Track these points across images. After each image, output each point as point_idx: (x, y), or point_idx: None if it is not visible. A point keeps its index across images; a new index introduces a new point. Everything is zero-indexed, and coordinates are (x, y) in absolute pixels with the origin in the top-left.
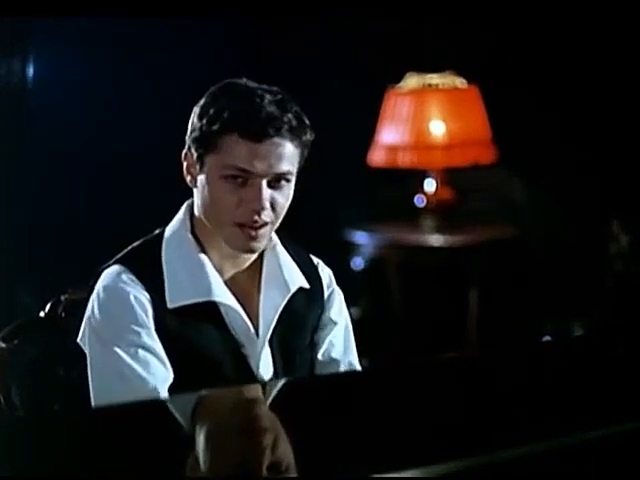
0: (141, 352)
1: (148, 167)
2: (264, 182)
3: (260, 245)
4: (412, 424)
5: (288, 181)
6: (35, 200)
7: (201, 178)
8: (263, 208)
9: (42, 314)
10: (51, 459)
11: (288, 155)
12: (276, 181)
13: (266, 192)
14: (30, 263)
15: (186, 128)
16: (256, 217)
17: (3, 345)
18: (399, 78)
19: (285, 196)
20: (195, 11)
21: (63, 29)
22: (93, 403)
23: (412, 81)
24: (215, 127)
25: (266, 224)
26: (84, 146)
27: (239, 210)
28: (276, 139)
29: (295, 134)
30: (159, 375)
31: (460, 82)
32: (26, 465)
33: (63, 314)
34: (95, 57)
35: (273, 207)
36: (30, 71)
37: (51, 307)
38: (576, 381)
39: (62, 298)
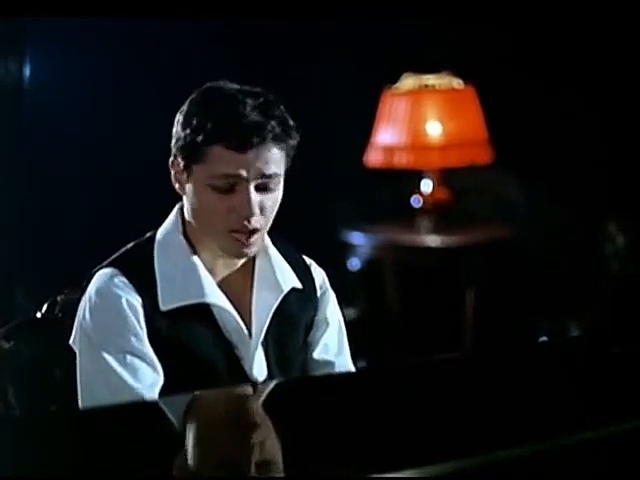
0: (130, 358)
1: (143, 169)
2: (252, 187)
3: (253, 250)
4: (409, 424)
5: (276, 184)
6: (31, 201)
7: (189, 186)
8: (253, 214)
9: (39, 314)
10: (47, 459)
11: (274, 159)
12: (264, 184)
13: (255, 197)
14: (27, 264)
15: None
16: (246, 223)
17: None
18: (396, 79)
19: (273, 200)
20: (195, 11)
21: (60, 29)
22: (80, 404)
23: (409, 82)
24: (199, 138)
25: (257, 230)
26: (81, 148)
27: (229, 217)
28: (261, 147)
29: (280, 139)
30: (147, 381)
31: (456, 83)
32: (22, 465)
33: (60, 314)
34: (88, 58)
35: (262, 212)
36: (27, 72)
37: (48, 307)
38: (572, 381)
39: (58, 299)
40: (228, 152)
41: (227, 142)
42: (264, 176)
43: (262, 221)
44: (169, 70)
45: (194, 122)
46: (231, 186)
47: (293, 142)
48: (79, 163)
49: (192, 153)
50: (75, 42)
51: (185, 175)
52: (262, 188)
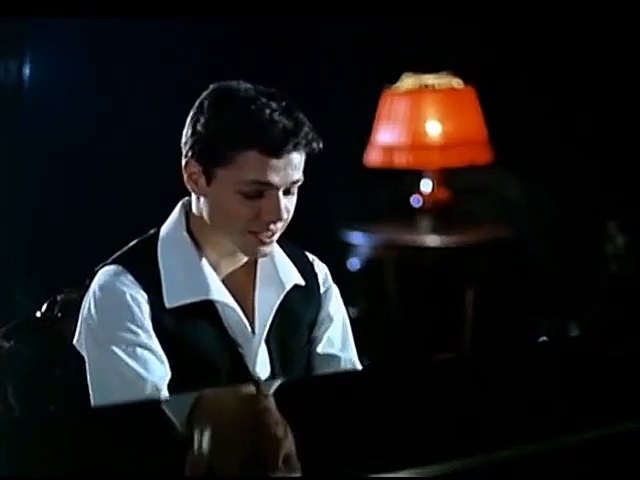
0: (139, 350)
1: (145, 166)
2: (280, 192)
3: (271, 249)
4: (409, 424)
5: (296, 187)
6: (32, 200)
7: (210, 190)
8: (281, 219)
9: (38, 314)
10: (47, 459)
11: (300, 164)
12: (289, 189)
13: (282, 202)
14: (26, 263)
15: (182, 128)
16: (272, 226)
17: None
18: (396, 78)
19: (293, 202)
20: (195, 11)
21: (60, 29)
22: (93, 403)
23: (408, 81)
24: (228, 143)
25: (278, 230)
26: (81, 147)
27: (254, 221)
28: (292, 152)
29: (309, 145)
30: (158, 373)
31: (456, 83)
32: (22, 465)
33: (59, 314)
34: (89, 58)
35: (286, 215)
36: (27, 71)
37: (47, 307)
38: (572, 381)
39: (58, 298)
40: (262, 157)
41: (261, 148)
42: (292, 182)
43: (284, 223)
44: (169, 70)
45: (218, 125)
46: (260, 192)
47: (319, 147)
48: (79, 162)
49: (216, 157)
50: (75, 42)
51: (204, 178)
52: (287, 193)
